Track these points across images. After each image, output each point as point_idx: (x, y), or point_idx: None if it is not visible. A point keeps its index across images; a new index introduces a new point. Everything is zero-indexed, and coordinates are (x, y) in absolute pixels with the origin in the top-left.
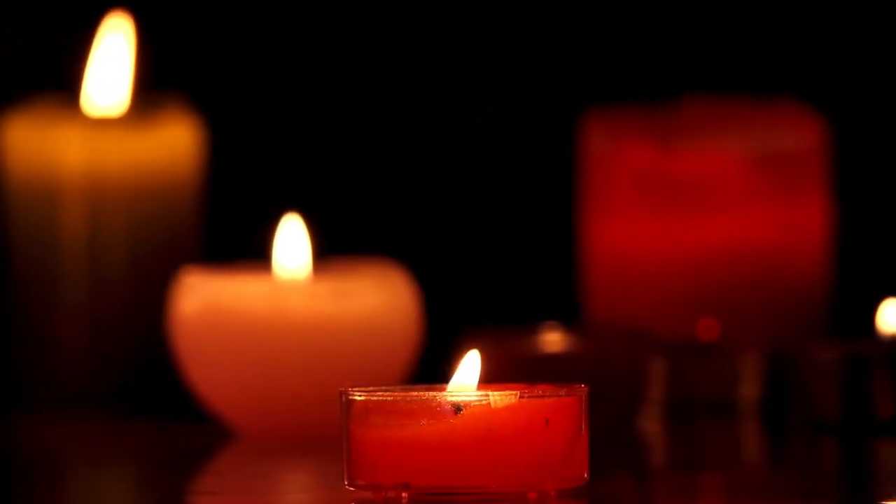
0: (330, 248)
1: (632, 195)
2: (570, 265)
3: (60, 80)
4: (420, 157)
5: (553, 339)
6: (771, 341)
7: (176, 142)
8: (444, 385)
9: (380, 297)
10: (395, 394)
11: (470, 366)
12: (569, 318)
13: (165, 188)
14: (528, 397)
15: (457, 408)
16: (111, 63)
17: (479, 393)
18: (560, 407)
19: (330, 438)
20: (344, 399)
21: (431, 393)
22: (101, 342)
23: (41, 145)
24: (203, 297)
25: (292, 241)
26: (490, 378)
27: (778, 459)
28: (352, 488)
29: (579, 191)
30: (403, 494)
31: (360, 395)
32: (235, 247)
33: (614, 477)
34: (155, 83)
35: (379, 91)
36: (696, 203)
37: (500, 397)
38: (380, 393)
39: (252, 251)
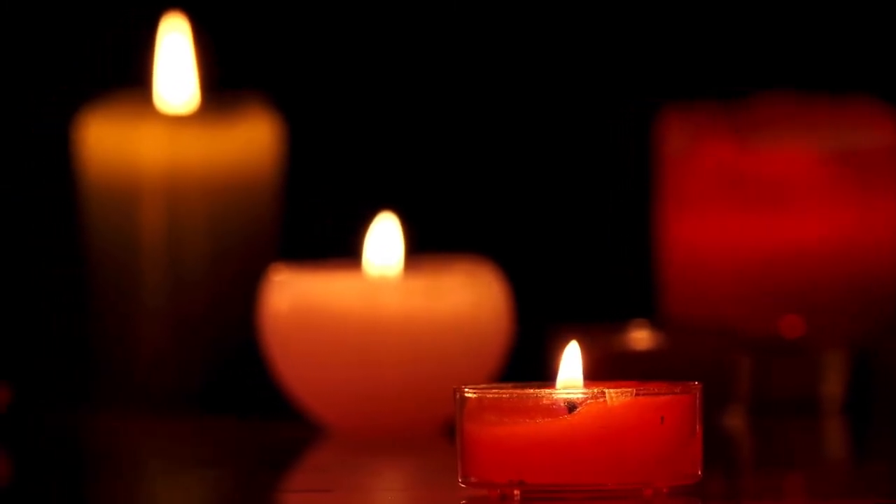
0: (420, 246)
1: (709, 192)
2: (647, 262)
3: (133, 77)
4: (501, 155)
5: (640, 337)
6: (854, 338)
7: (255, 139)
8: (554, 382)
9: (471, 294)
10: (511, 391)
11: (572, 358)
12: (645, 315)
13: (245, 186)
14: (644, 395)
15: (570, 406)
16: (175, 61)
17: (595, 390)
18: (675, 404)
19: (422, 435)
20: (458, 396)
21: (547, 390)
22: (182, 341)
23: (120, 144)
24: (294, 294)
25: (385, 239)
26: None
27: (863, 457)
28: (464, 485)
29: (657, 188)
30: (516, 492)
31: (474, 393)
32: (315, 244)
33: (707, 475)
34: (234, 81)
35: (466, 89)
36: (774, 200)
37: (616, 395)
38: (494, 390)
39: (331, 248)
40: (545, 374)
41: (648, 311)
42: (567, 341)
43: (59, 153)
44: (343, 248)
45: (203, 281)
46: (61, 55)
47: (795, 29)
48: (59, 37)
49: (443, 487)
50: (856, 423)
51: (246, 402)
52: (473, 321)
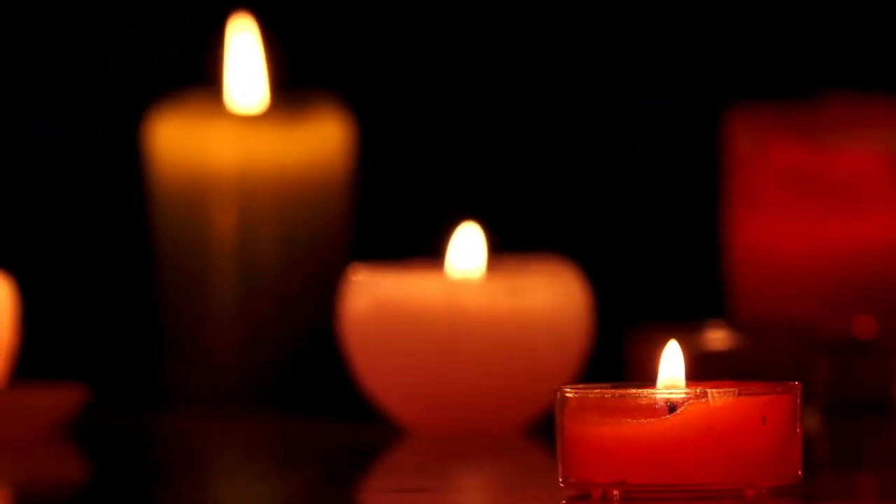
0: (502, 246)
1: (779, 193)
2: (717, 263)
3: (203, 78)
4: (580, 158)
5: (716, 337)
6: None
7: (326, 138)
8: (655, 382)
9: (553, 294)
10: (612, 391)
11: (673, 358)
12: (716, 316)
13: (316, 186)
14: (746, 395)
15: (671, 406)
16: (244, 61)
17: (697, 390)
18: (776, 404)
19: (504, 435)
20: (558, 396)
21: (649, 390)
22: (254, 342)
23: (190, 144)
24: (374, 294)
25: (469, 246)
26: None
27: None
28: (564, 485)
29: (727, 188)
30: (615, 492)
31: (574, 393)
32: (388, 246)
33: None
34: (304, 80)
35: (541, 89)
36: (845, 200)
37: (718, 395)
38: (596, 390)
39: (406, 249)
40: (625, 373)
41: (719, 312)
42: (651, 341)
43: (129, 154)
44: (418, 249)
45: (274, 281)
46: (131, 56)
47: (864, 29)
48: (128, 37)
49: (541, 487)
50: None
51: (324, 404)
52: (555, 321)
